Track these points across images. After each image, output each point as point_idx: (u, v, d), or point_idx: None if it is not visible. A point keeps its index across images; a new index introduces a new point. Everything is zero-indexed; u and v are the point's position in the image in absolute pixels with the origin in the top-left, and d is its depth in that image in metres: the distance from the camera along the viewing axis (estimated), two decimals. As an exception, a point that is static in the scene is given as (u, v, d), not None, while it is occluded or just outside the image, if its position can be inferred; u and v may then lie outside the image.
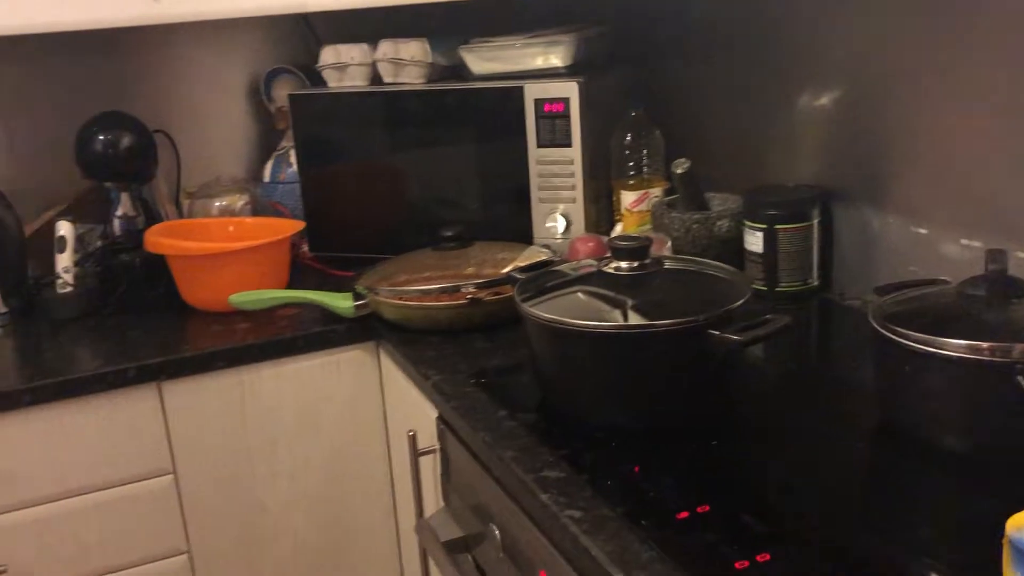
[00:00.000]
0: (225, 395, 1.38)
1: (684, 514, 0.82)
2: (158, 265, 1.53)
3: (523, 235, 1.53)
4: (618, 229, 1.50)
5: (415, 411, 1.28)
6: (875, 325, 0.93)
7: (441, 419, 1.17)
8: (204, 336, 1.40)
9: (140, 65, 1.80)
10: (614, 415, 0.99)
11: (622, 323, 0.97)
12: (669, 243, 1.37)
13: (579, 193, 1.49)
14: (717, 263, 1.09)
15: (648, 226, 1.49)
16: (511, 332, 1.28)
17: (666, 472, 0.89)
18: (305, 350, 1.41)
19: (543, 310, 1.01)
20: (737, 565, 0.74)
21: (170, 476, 1.37)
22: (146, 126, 1.60)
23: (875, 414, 0.98)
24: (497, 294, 1.30)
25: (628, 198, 1.51)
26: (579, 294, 1.06)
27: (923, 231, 1.21)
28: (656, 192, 1.51)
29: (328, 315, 1.43)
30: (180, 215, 1.75)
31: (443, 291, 1.30)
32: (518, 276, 1.12)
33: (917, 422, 0.92)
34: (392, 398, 1.43)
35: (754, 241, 1.35)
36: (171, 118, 1.81)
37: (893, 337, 0.90)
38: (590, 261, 1.12)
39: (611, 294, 1.02)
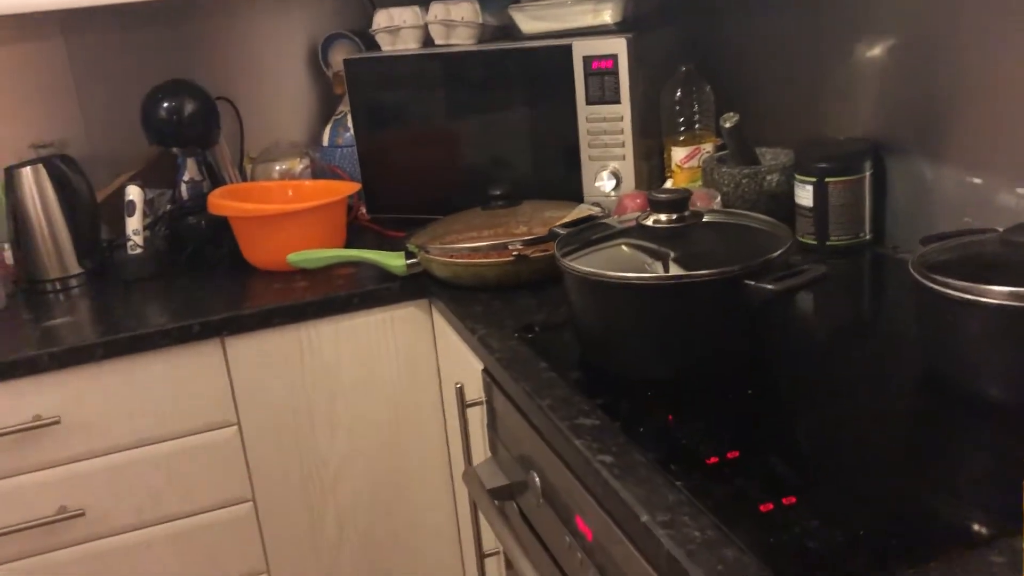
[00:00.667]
0: (285, 350, 1.43)
1: (714, 459, 0.83)
2: (223, 227, 1.59)
3: (574, 194, 1.54)
4: (668, 185, 1.49)
5: (464, 364, 1.31)
6: (915, 274, 0.91)
7: (487, 372, 1.20)
8: (265, 294, 1.46)
9: (204, 34, 1.86)
10: (650, 366, 1.00)
11: (657, 274, 0.97)
12: (719, 198, 1.36)
13: (629, 150, 1.49)
14: (758, 215, 1.09)
15: (698, 182, 1.49)
16: (557, 289, 1.29)
17: (699, 420, 0.90)
18: (361, 307, 1.45)
19: (584, 263, 1.02)
20: (762, 508, 0.75)
21: (234, 427, 1.43)
22: (208, 93, 1.65)
23: (918, 365, 0.97)
24: (544, 251, 1.32)
25: (679, 154, 1.50)
26: (623, 247, 1.06)
27: (978, 181, 1.18)
28: (707, 148, 1.50)
29: (383, 273, 1.47)
30: (243, 179, 1.81)
31: (490, 248, 1.33)
32: (559, 231, 1.13)
33: (959, 372, 0.91)
34: (444, 353, 1.47)
35: (804, 195, 1.33)
36: (234, 85, 1.87)
37: (933, 286, 0.89)
38: (633, 215, 1.13)
39: (653, 246, 1.03)
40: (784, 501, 0.76)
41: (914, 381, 0.96)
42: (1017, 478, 0.75)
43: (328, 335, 1.45)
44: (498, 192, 1.43)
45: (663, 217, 1.04)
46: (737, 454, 0.84)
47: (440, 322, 1.45)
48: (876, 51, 1.31)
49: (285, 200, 1.64)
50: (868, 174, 1.31)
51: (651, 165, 1.56)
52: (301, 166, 1.77)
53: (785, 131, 1.50)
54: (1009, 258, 0.88)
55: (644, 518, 0.77)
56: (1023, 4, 1.07)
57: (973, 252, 0.93)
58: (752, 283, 0.93)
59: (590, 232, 1.12)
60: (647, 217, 1.05)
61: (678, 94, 1.51)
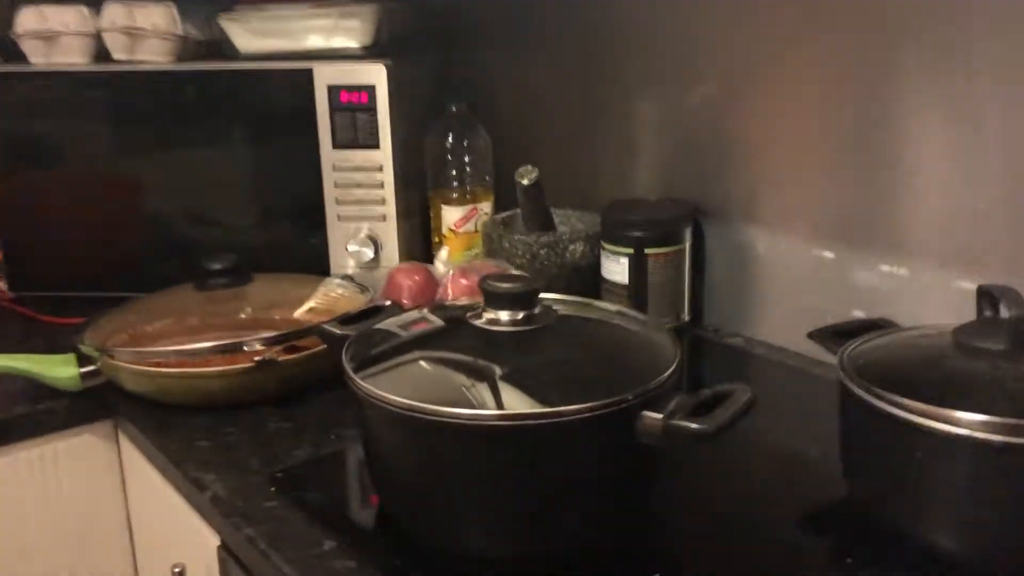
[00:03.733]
0: None
1: None
2: None
3: (317, 263, 1.18)
4: (443, 255, 1.17)
5: (181, 532, 0.89)
6: (851, 384, 0.69)
7: (225, 548, 0.79)
8: None
9: None
10: (499, 540, 0.67)
11: (516, 411, 0.65)
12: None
13: (391, 209, 1.17)
14: (619, 307, 0.81)
15: (477, 250, 1.19)
16: (318, 402, 0.93)
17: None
18: (8, 440, 0.97)
19: (380, 386, 0.67)
20: None
21: None
22: None
23: (833, 490, 0.74)
24: (294, 350, 0.94)
25: (452, 215, 1.20)
26: (422, 362, 0.73)
27: (829, 255, 1.00)
28: (485, 208, 1.22)
29: (42, 388, 1.00)
30: None
31: (216, 350, 0.92)
32: (342, 331, 0.77)
33: (900, 510, 0.68)
34: (142, 503, 1.02)
35: (617, 269, 1.08)
36: None
37: (878, 403, 0.66)
38: (426, 313, 0.79)
39: (478, 360, 0.71)
40: None
41: (851, 527, 0.72)
42: None
43: (-51, 486, 0.95)
44: (219, 266, 1.03)
45: (504, 315, 0.72)
46: None
47: (133, 454, 1.00)
48: (681, 100, 1.11)
49: None
50: (688, 244, 1.10)
51: (412, 226, 1.24)
52: (-100, 224, 1.22)
53: (578, 190, 1.25)
54: (971, 371, 0.68)
55: None
56: (809, 61, 0.91)
57: (915, 358, 0.72)
58: (657, 417, 0.64)
59: (378, 336, 0.77)
60: (477, 315, 0.73)
61: (449, 140, 1.21)
